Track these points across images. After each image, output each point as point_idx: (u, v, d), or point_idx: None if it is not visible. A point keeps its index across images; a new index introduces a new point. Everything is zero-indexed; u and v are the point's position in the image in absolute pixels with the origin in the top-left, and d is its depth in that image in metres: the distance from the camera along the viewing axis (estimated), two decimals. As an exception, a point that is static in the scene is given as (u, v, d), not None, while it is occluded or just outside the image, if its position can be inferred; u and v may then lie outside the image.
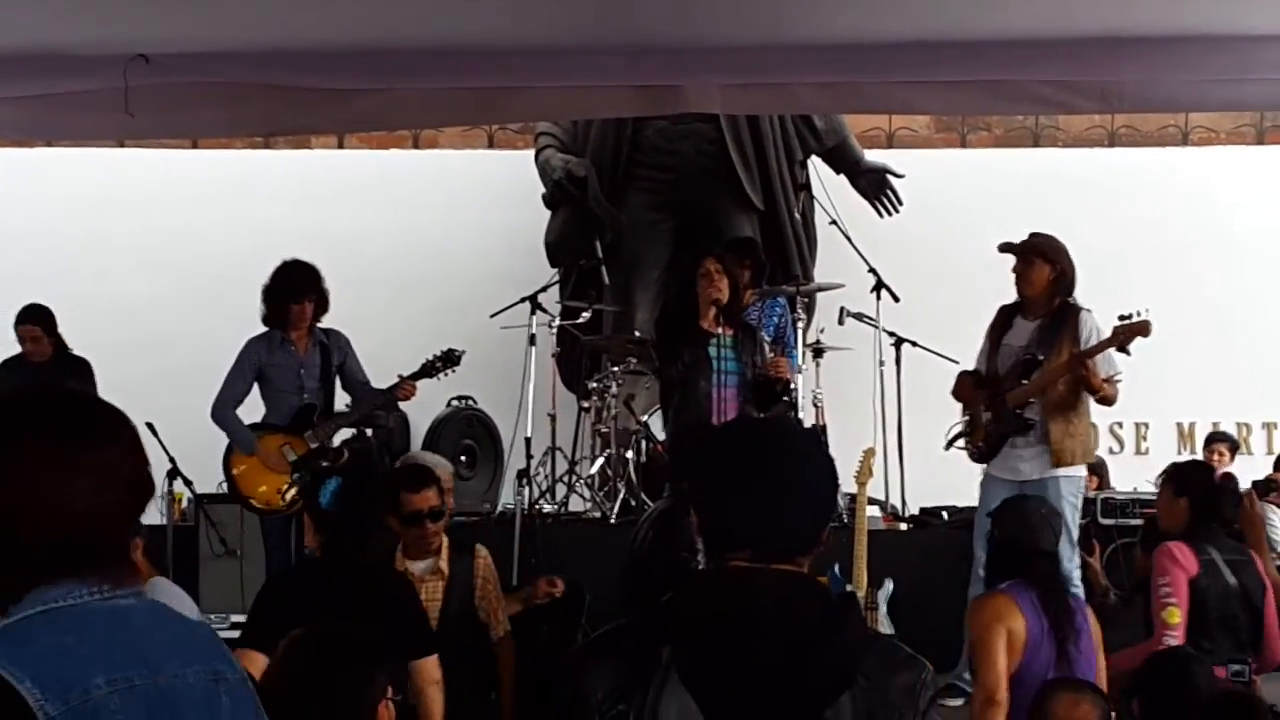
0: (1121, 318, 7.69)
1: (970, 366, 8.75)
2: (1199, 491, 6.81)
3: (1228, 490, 6.96)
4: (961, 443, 8.29)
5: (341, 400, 8.79)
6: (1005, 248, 8.15)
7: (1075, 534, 7.75)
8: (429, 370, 8.66)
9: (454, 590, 6.56)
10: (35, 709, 2.13)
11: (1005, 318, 8.20)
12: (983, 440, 8.07)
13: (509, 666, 6.66)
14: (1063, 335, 7.91)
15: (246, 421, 8.55)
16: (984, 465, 8.11)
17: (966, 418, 8.28)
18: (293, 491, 8.38)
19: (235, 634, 8.43)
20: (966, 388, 8.21)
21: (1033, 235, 8.18)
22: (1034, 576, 5.87)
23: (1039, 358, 7.89)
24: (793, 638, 2.68)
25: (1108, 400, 7.92)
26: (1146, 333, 7.63)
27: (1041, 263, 8.03)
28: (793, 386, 9.10)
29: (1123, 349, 7.73)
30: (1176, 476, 6.96)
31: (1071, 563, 7.59)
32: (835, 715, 2.66)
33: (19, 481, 2.28)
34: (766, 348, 8.79)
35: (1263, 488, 7.33)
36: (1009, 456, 7.94)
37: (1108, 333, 7.76)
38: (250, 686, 2.48)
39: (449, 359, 8.70)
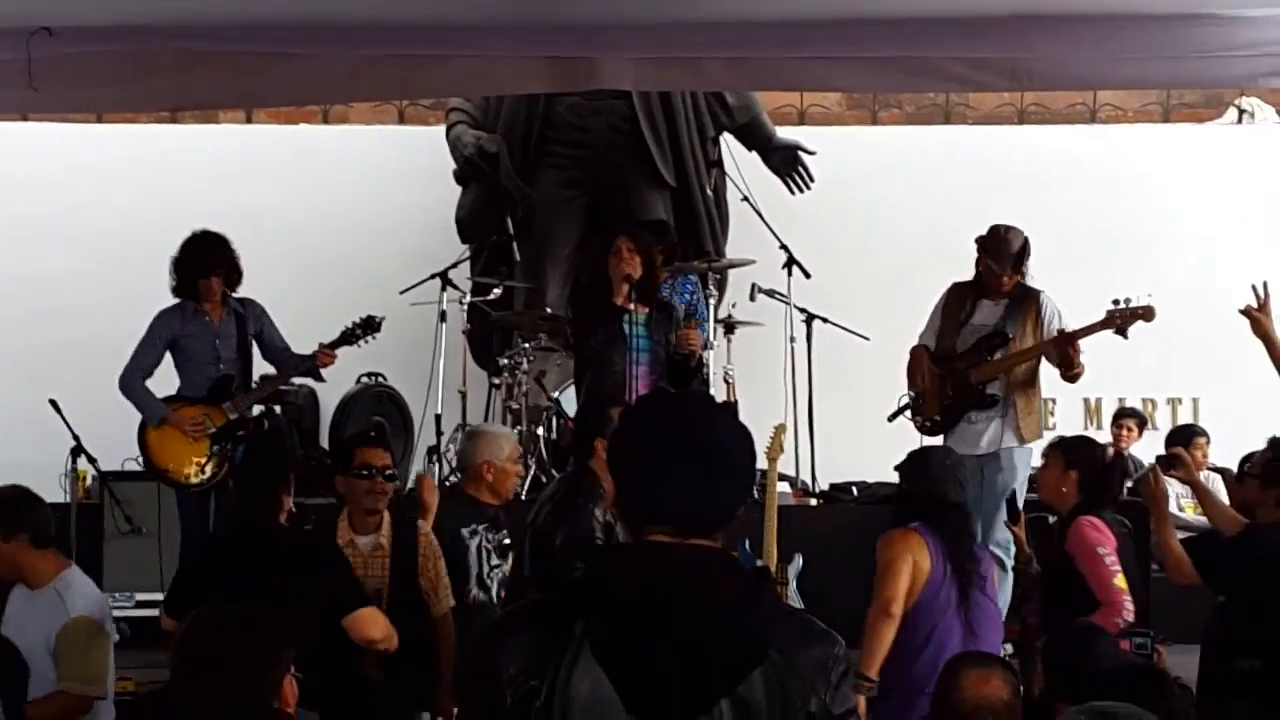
0: (1115, 302, 7.90)
1: (871, 339, 8.89)
2: (1089, 466, 6.86)
3: (1118, 467, 7.06)
4: (907, 415, 8.44)
5: (261, 371, 8.68)
6: (989, 250, 8.29)
7: (1020, 505, 8.10)
8: (349, 337, 8.55)
9: (397, 564, 6.51)
10: None
11: (964, 297, 8.39)
12: (939, 414, 8.27)
13: (449, 644, 6.60)
14: (1025, 315, 8.18)
15: (162, 395, 8.45)
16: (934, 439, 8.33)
17: (914, 392, 8.46)
18: (211, 464, 8.28)
19: (140, 612, 8.42)
20: (924, 363, 8.36)
21: (1004, 234, 8.33)
22: (941, 525, 5.97)
23: (1009, 335, 8.13)
24: (706, 613, 2.70)
25: (1076, 379, 8.16)
26: (1150, 318, 7.93)
27: (1016, 270, 8.27)
28: (705, 362, 9.12)
29: (1121, 332, 8.00)
30: (1064, 449, 6.99)
31: (1003, 531, 8.01)
32: (748, 690, 2.68)
33: None
34: (682, 325, 8.79)
35: (1166, 463, 7.42)
36: (967, 431, 8.17)
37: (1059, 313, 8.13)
38: None
39: (369, 325, 8.59)
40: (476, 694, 2.76)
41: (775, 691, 2.69)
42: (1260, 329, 7.55)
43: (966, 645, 5.80)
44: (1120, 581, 6.49)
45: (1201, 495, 7.64)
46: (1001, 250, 8.23)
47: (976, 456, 7.94)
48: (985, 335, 8.21)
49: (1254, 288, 7.60)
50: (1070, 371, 8.08)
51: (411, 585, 6.51)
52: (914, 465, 6.29)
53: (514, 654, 2.72)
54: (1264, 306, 7.58)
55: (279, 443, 6.99)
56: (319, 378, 8.79)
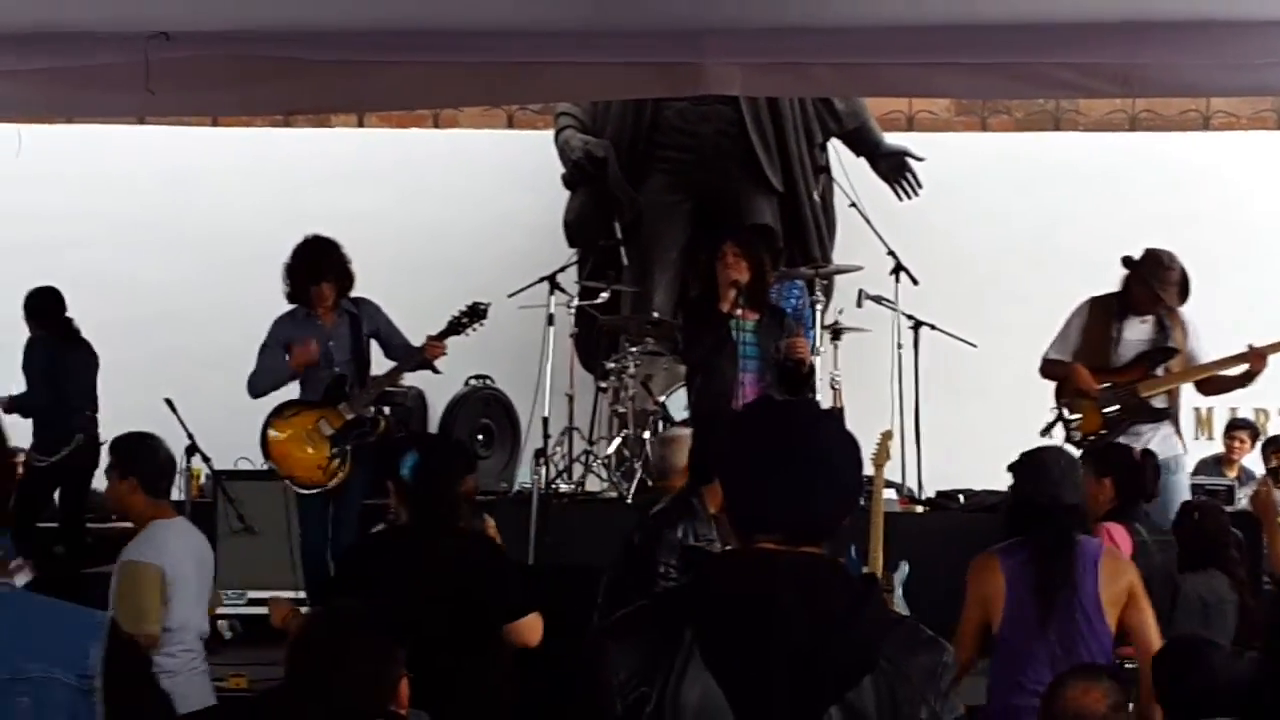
0: None
1: (979, 346, 8.99)
2: (1122, 470, 6.95)
3: (1149, 466, 7.11)
4: (1060, 430, 8.53)
5: (380, 369, 8.74)
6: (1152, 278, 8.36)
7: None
8: (456, 327, 8.50)
9: None
10: None
11: (1109, 314, 8.47)
12: (1102, 428, 8.37)
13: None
14: (1175, 329, 8.36)
15: (283, 400, 8.56)
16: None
17: (1067, 407, 8.52)
18: (335, 464, 8.35)
19: (252, 610, 8.52)
20: (1083, 379, 8.40)
21: (1166, 263, 8.40)
22: (1042, 532, 5.75)
23: (1174, 349, 8.32)
24: (815, 620, 2.70)
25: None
26: None
27: (1183, 300, 8.39)
28: (813, 369, 9.11)
29: None
30: (1095, 459, 7.06)
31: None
32: (857, 697, 2.68)
33: None
34: (792, 330, 8.76)
35: (1277, 475, 7.37)
36: (1133, 443, 8.08)
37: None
38: (70, 685, 2.38)
39: (475, 313, 8.52)
40: (586, 700, 2.78)
41: (885, 699, 2.69)
42: None
43: (1057, 664, 5.54)
44: None
45: None
46: (1167, 280, 8.31)
47: None
48: (1149, 351, 8.35)
49: None
50: (1245, 386, 8.39)
51: None
52: (1028, 467, 6.05)
53: (624, 660, 2.73)
54: None
55: (456, 445, 6.94)
56: (434, 369, 8.79)
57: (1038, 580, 5.70)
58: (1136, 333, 8.42)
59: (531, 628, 5.73)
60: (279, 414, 8.51)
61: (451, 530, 5.76)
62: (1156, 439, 8.22)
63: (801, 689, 2.67)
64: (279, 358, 8.52)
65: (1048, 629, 5.63)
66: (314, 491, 8.40)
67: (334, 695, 3.88)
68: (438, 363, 8.63)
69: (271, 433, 8.46)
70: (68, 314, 10.01)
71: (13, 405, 9.72)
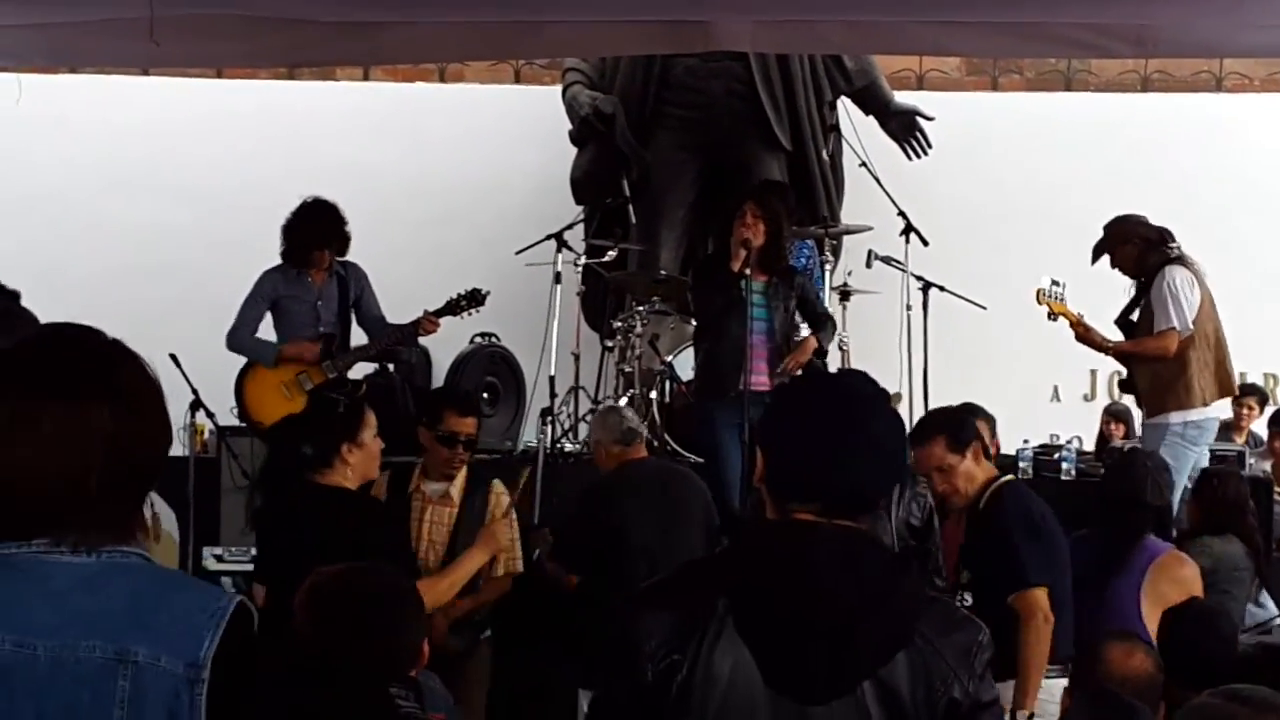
0: None
1: (989, 308, 9.35)
2: None
3: None
4: None
5: (358, 335, 8.75)
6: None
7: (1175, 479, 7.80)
8: (453, 308, 8.63)
9: (464, 523, 6.54)
10: None
11: None
12: None
13: (490, 604, 6.72)
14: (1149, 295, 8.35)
15: None
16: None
17: None
18: None
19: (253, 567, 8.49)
20: None
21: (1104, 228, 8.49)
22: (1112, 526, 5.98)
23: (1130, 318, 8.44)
24: (852, 593, 2.67)
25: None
26: None
27: (1123, 247, 8.40)
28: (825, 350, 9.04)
29: None
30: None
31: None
32: (890, 673, 2.65)
33: None
34: (812, 295, 8.72)
35: None
36: None
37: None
38: (176, 674, 2.22)
39: (474, 298, 8.66)
40: (615, 666, 2.75)
41: (919, 675, 2.66)
42: None
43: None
44: None
45: None
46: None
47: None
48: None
49: None
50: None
51: (470, 543, 6.43)
52: (1115, 465, 6.31)
53: (656, 628, 2.70)
54: None
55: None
56: (415, 343, 8.84)
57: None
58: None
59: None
60: None
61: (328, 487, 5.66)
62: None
63: (836, 662, 2.64)
64: (261, 317, 8.55)
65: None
66: None
67: (372, 657, 3.78)
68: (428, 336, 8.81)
69: (250, 376, 8.50)
70: None
71: None
